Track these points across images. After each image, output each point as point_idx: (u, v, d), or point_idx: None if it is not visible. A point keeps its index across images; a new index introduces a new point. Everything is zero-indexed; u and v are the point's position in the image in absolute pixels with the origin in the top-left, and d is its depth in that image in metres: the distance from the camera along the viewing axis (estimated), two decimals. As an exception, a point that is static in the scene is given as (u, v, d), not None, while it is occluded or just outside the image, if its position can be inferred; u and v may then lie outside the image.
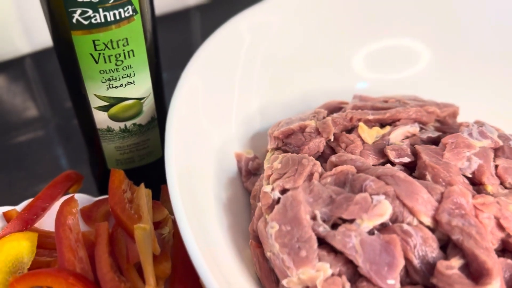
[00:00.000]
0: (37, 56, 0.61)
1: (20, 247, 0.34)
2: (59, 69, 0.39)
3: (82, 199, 0.38)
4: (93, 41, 0.32)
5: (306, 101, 0.44)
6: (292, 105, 0.44)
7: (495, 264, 0.27)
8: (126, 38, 0.33)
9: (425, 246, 0.29)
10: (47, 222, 0.37)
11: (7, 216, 0.37)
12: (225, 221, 0.36)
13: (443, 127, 0.41)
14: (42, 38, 0.59)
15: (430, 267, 0.29)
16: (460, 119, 0.43)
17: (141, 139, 0.40)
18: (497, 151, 0.38)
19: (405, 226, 0.29)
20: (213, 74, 0.40)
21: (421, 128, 0.40)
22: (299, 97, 0.44)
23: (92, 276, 0.31)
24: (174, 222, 0.36)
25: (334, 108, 0.43)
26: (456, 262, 0.28)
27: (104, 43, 0.32)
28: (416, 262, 0.29)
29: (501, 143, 0.38)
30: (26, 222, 0.36)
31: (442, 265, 0.28)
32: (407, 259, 0.29)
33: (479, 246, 0.28)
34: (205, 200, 0.36)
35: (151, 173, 0.42)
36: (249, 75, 0.42)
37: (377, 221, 0.30)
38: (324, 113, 0.40)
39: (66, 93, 0.54)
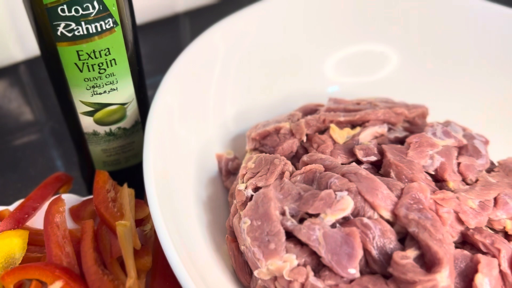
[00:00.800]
0: (31, 63, 0.63)
1: (12, 244, 0.36)
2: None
3: (71, 199, 0.41)
4: (77, 51, 0.34)
5: (283, 104, 0.46)
6: (270, 108, 0.46)
7: (446, 254, 0.30)
8: (108, 48, 0.35)
9: (383, 238, 0.31)
10: (38, 221, 0.40)
11: (0, 216, 0.39)
12: (205, 218, 0.39)
13: (411, 127, 0.43)
14: (35, 45, 0.61)
15: (388, 257, 0.31)
16: (431, 118, 0.45)
17: (126, 141, 0.42)
18: (461, 149, 0.40)
19: (365, 220, 0.32)
20: (190, 82, 0.42)
21: (390, 129, 0.42)
22: (276, 101, 0.46)
23: (78, 270, 0.34)
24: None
25: (310, 111, 0.45)
26: (411, 253, 0.31)
27: (87, 53, 0.35)
28: (374, 252, 0.31)
29: (465, 142, 0.40)
30: (17, 221, 0.38)
31: (397, 255, 0.30)
32: (366, 250, 0.31)
33: (432, 238, 0.30)
34: (184, 199, 0.38)
35: (137, 174, 0.44)
36: (225, 82, 0.44)
37: (340, 215, 0.32)
38: (299, 115, 0.43)
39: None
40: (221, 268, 0.36)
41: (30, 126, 0.58)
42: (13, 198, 0.42)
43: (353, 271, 0.30)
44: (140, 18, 0.66)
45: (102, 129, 0.40)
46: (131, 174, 0.44)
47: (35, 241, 0.38)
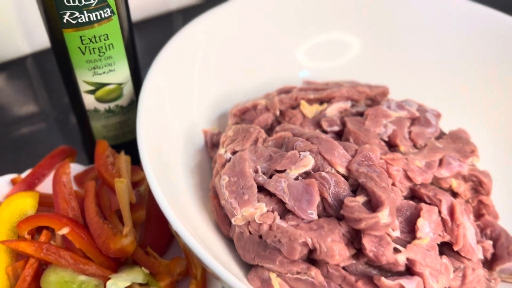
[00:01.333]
0: (37, 56, 0.69)
1: (24, 203, 0.42)
2: (57, 68, 0.47)
3: (75, 168, 0.47)
4: (80, 36, 0.40)
5: (260, 87, 0.52)
6: (249, 91, 0.52)
7: (387, 198, 0.36)
8: (107, 34, 0.41)
9: (337, 188, 0.37)
10: (46, 188, 0.46)
11: (13, 181, 0.45)
12: (191, 181, 0.45)
13: (372, 104, 0.49)
14: (42, 39, 0.68)
15: (341, 203, 0.37)
16: (392, 97, 0.51)
17: (123, 118, 0.48)
18: (414, 121, 0.46)
19: (323, 174, 0.38)
20: (177, 66, 0.48)
21: (353, 105, 0.48)
22: (255, 85, 0.52)
23: (82, 221, 0.40)
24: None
25: (285, 91, 0.51)
26: (360, 199, 0.37)
27: (89, 38, 0.41)
28: (330, 199, 0.37)
29: (417, 114, 0.47)
30: (29, 185, 0.44)
31: (348, 200, 0.36)
32: (323, 198, 0.37)
33: (377, 186, 0.36)
34: (173, 166, 0.44)
35: (133, 148, 0.50)
36: (208, 67, 0.50)
37: (302, 170, 0.38)
38: (274, 94, 0.49)
39: (64, 90, 0.63)
40: (205, 222, 0.42)
41: (36, 115, 0.64)
42: (23, 168, 0.48)
43: (312, 214, 0.36)
44: (137, 15, 0.72)
45: (102, 106, 0.46)
46: (128, 148, 0.50)
47: (44, 203, 0.44)
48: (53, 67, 0.67)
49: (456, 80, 0.53)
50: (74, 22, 0.39)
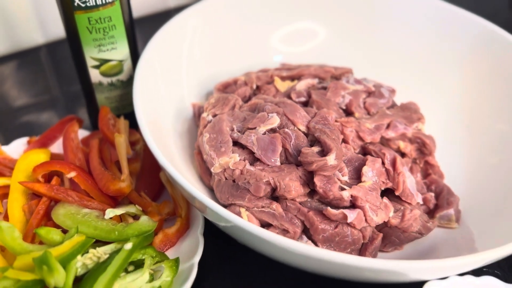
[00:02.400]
0: (51, 46, 0.78)
1: (38, 157, 0.50)
2: (68, 57, 0.54)
3: (82, 133, 0.55)
4: (88, 18, 0.49)
5: (242, 70, 0.60)
6: (232, 72, 0.60)
7: (335, 146, 0.43)
8: (110, 16, 0.50)
9: (297, 141, 0.45)
10: (56, 149, 0.54)
11: (29, 142, 0.53)
12: (180, 143, 0.53)
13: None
14: (55, 31, 0.76)
15: (300, 153, 0.45)
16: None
17: (123, 92, 0.56)
18: (370, 94, 0.54)
19: (286, 130, 0.46)
20: (168, 50, 0.55)
21: (320, 82, 0.56)
22: (237, 67, 0.60)
23: (87, 170, 0.48)
24: (144, 142, 0.52)
25: (264, 71, 0.59)
26: (315, 149, 0.44)
27: (95, 19, 0.49)
28: (291, 150, 0.45)
29: (373, 89, 0.54)
30: (42, 143, 0.52)
31: (304, 149, 0.44)
32: (286, 148, 0.45)
33: (329, 138, 0.44)
34: (165, 130, 0.52)
35: (132, 119, 0.58)
36: (194, 52, 0.58)
37: (269, 127, 0.46)
38: (253, 72, 0.57)
39: (73, 78, 0.70)
40: (191, 175, 0.50)
41: (46, 102, 0.71)
42: (39, 133, 0.56)
43: (275, 161, 0.44)
44: (137, 12, 0.81)
45: (105, 80, 0.54)
46: (127, 119, 0.58)
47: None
48: (64, 57, 0.76)
49: (412, 62, 0.61)
50: (83, 5, 0.48)
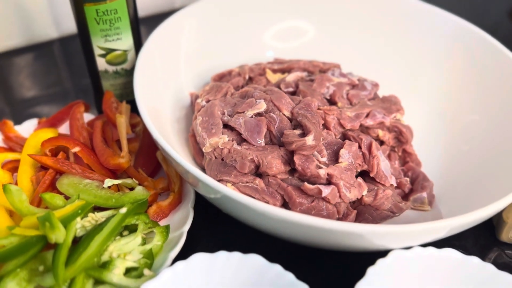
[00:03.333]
0: (63, 41, 0.83)
1: (47, 135, 0.54)
2: (79, 51, 0.58)
3: (88, 116, 0.60)
4: (96, 10, 0.54)
5: (236, 64, 0.64)
6: (227, 66, 0.64)
7: (314, 129, 0.47)
8: (116, 9, 0.55)
9: (281, 124, 0.49)
10: (63, 131, 0.59)
11: (39, 122, 0.58)
12: (176, 127, 0.57)
13: (325, 75, 0.62)
14: (67, 26, 0.82)
15: (283, 135, 0.49)
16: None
17: (127, 80, 0.61)
18: (354, 87, 0.58)
19: (272, 114, 0.50)
20: (167, 44, 0.60)
21: (309, 75, 0.61)
22: (232, 61, 0.65)
23: (90, 147, 0.52)
24: (144, 124, 0.57)
25: (258, 64, 0.64)
26: (297, 131, 0.49)
27: (102, 11, 0.54)
28: (275, 132, 0.49)
29: (357, 82, 0.59)
30: (51, 123, 0.57)
31: (287, 131, 0.48)
32: (270, 131, 0.49)
33: (309, 121, 0.48)
34: (163, 115, 0.56)
35: (133, 105, 0.63)
36: (192, 47, 0.62)
37: (256, 111, 0.50)
38: (247, 65, 0.62)
39: (84, 71, 0.75)
40: (185, 155, 0.54)
41: (58, 93, 0.75)
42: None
43: (260, 141, 0.49)
44: (144, 11, 0.86)
45: (111, 68, 0.59)
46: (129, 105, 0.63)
47: (62, 140, 0.57)
48: (76, 52, 0.81)
49: (395, 59, 0.66)
50: (92, -2, 0.53)
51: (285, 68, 0.61)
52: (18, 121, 0.68)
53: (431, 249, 0.43)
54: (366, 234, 0.38)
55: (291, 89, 0.57)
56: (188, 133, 0.58)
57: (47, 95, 0.74)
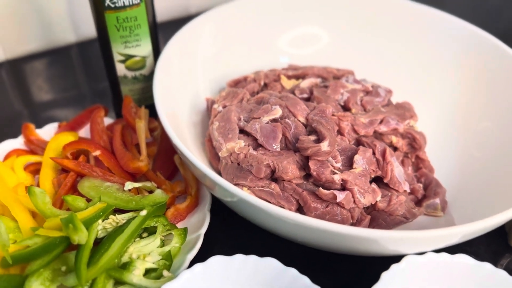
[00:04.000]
0: (81, 45, 0.85)
1: (67, 139, 0.56)
2: (96, 55, 0.59)
3: (107, 120, 0.61)
4: (117, 17, 0.55)
5: (251, 69, 0.66)
6: (243, 71, 0.66)
7: (329, 135, 0.48)
8: (136, 16, 0.56)
9: (296, 130, 0.51)
10: (83, 134, 0.60)
11: (59, 125, 0.60)
12: (193, 131, 0.59)
13: (339, 81, 0.63)
14: (85, 31, 0.84)
15: (298, 140, 0.50)
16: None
17: (145, 85, 0.63)
18: (368, 93, 0.59)
19: (287, 120, 0.51)
20: (185, 49, 0.61)
21: (323, 81, 0.62)
22: (247, 67, 0.66)
23: (110, 150, 0.54)
24: (162, 129, 0.58)
25: (272, 70, 0.65)
26: (311, 137, 0.50)
27: (123, 19, 0.55)
28: (290, 138, 0.50)
29: (370, 88, 0.60)
30: (71, 127, 0.59)
31: (302, 136, 0.49)
32: (286, 136, 0.50)
33: (324, 127, 0.49)
34: (181, 119, 0.58)
35: (151, 110, 0.64)
36: (210, 52, 0.64)
37: (271, 117, 0.51)
38: (262, 71, 0.63)
39: (101, 75, 0.77)
40: (202, 159, 0.55)
41: (75, 97, 0.77)
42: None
43: (276, 147, 0.50)
44: (160, 17, 0.87)
45: (130, 74, 0.61)
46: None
47: (82, 143, 0.58)
48: (93, 56, 0.83)
49: (409, 66, 0.66)
50: (112, 5, 0.54)
51: (299, 74, 0.62)
52: (36, 123, 0.70)
53: (444, 254, 0.44)
54: (381, 240, 0.39)
55: (305, 95, 0.58)
56: (204, 137, 0.59)
57: (64, 98, 0.76)
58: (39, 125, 0.62)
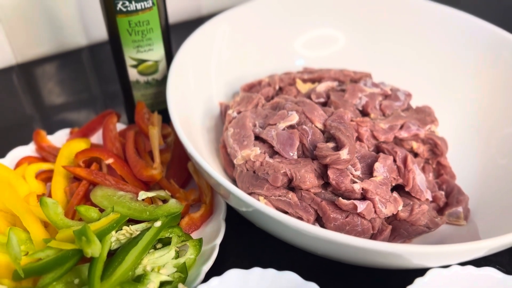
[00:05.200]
0: (92, 48, 0.84)
1: (79, 145, 0.55)
2: (107, 58, 0.58)
3: (120, 126, 0.60)
4: (128, 21, 0.54)
5: (266, 72, 0.64)
6: (257, 75, 0.64)
7: (349, 142, 0.47)
8: (148, 20, 0.55)
9: (314, 137, 0.49)
10: (95, 140, 0.59)
11: (71, 132, 0.59)
12: (207, 137, 0.57)
13: (356, 85, 0.61)
14: (96, 34, 0.83)
15: (316, 148, 0.48)
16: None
17: (158, 90, 0.61)
18: (387, 97, 0.58)
19: (304, 126, 0.50)
20: (199, 52, 0.60)
21: (339, 85, 0.60)
22: (262, 70, 0.64)
23: (123, 158, 0.53)
24: (175, 135, 0.57)
25: (287, 73, 0.63)
26: (330, 144, 0.48)
27: (135, 23, 0.54)
28: (307, 145, 0.49)
29: (389, 92, 0.58)
30: (83, 134, 0.58)
31: (320, 144, 0.48)
32: (303, 143, 0.49)
33: (343, 134, 0.48)
34: (194, 125, 0.56)
35: (164, 115, 0.63)
36: (223, 55, 0.62)
37: (288, 124, 0.50)
38: (277, 74, 0.61)
39: (111, 78, 0.76)
40: (216, 166, 0.54)
41: (86, 100, 0.76)
42: (79, 126, 0.61)
43: (293, 154, 0.48)
44: (173, 18, 0.86)
45: (142, 79, 0.59)
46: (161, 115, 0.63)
47: (94, 149, 0.57)
48: (104, 59, 0.82)
49: (428, 68, 0.64)
50: (124, 9, 0.53)
51: (315, 77, 0.60)
52: (47, 126, 0.69)
53: (470, 267, 0.42)
54: (405, 255, 0.37)
55: (322, 100, 0.56)
56: (218, 143, 0.58)
57: (75, 101, 0.75)
58: (50, 129, 0.61)
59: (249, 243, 0.51)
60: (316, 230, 0.38)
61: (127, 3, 0.52)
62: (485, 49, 0.60)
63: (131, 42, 0.56)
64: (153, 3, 0.54)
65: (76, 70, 0.81)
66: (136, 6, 0.53)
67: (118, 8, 0.53)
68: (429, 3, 0.64)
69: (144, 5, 0.53)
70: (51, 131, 0.62)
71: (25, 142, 0.60)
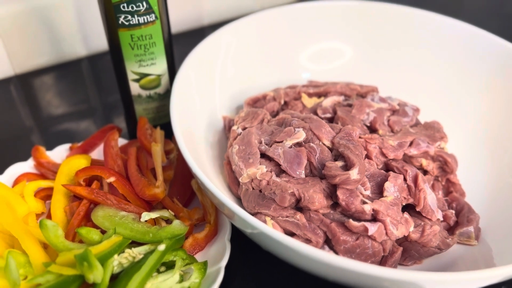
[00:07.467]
0: (91, 59, 0.83)
1: (80, 163, 0.54)
2: (107, 69, 0.57)
3: (121, 141, 0.59)
4: (131, 35, 0.53)
5: (271, 86, 0.63)
6: (262, 88, 0.63)
7: (358, 161, 0.45)
8: (151, 34, 0.53)
9: (322, 155, 0.48)
10: (96, 156, 0.58)
11: (71, 148, 0.57)
12: (211, 153, 0.56)
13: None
14: (95, 45, 0.81)
15: (324, 166, 0.47)
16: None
17: (160, 104, 0.60)
18: (395, 112, 0.56)
19: (312, 144, 0.48)
20: (203, 66, 0.58)
21: (346, 99, 0.59)
22: (267, 83, 0.63)
23: (125, 175, 0.51)
24: (178, 151, 0.55)
25: (292, 88, 0.62)
26: (338, 163, 0.47)
27: (137, 37, 0.53)
28: (315, 163, 0.47)
29: (397, 107, 0.56)
30: (84, 150, 0.56)
31: (328, 162, 0.46)
32: (311, 162, 0.47)
33: (352, 153, 0.46)
34: (197, 140, 0.55)
35: (166, 129, 0.62)
36: (227, 68, 0.61)
37: (295, 141, 0.49)
38: (282, 88, 0.60)
39: (111, 89, 0.74)
40: (220, 183, 0.52)
41: (85, 111, 0.75)
42: (78, 139, 0.60)
43: (301, 173, 0.47)
44: (174, 28, 0.85)
45: (144, 93, 0.58)
46: (162, 129, 0.61)
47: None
48: (104, 70, 0.80)
49: (436, 83, 0.63)
50: (126, 23, 0.52)
51: (321, 92, 0.59)
52: (46, 138, 0.67)
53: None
54: (420, 281, 0.36)
55: (328, 115, 0.55)
56: (221, 159, 0.57)
57: (75, 113, 0.73)
58: (49, 141, 0.60)
59: (255, 265, 0.49)
60: (325, 256, 0.36)
61: (129, 17, 0.51)
62: (496, 64, 0.58)
63: (133, 56, 0.54)
64: (156, 17, 0.53)
65: (75, 81, 0.79)
66: (138, 20, 0.52)
67: (120, 22, 0.51)
68: (437, 16, 0.63)
69: (147, 18, 0.52)
70: (50, 144, 0.61)
71: (24, 155, 0.58)
